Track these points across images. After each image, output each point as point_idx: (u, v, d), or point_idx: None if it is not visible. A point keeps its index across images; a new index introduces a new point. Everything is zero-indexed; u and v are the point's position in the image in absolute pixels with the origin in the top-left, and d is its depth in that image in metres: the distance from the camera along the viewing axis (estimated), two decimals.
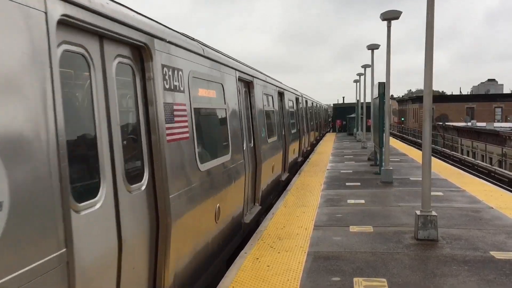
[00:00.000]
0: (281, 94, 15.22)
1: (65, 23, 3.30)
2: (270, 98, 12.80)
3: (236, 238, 8.05)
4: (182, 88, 5.40)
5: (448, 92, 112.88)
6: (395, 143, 31.30)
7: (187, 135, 5.48)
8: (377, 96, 16.30)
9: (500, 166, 28.64)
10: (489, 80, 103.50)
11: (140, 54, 4.53)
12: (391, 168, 14.57)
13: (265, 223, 9.37)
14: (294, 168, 17.98)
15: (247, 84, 9.98)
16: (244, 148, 8.83)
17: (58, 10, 3.15)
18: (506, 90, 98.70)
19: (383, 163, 14.85)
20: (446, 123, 55.10)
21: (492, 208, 10.38)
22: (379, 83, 15.97)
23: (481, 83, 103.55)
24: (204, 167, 6.06)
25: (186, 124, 5.45)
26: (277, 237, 8.30)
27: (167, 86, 4.95)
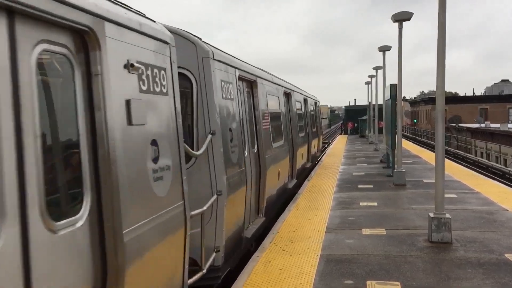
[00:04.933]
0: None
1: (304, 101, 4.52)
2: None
3: None
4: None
5: (462, 93, 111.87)
6: (407, 145, 31.10)
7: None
8: (389, 98, 16.21)
9: None
10: (502, 80, 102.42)
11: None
12: (403, 170, 14.48)
13: (277, 225, 9.35)
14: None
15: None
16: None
17: None
18: None
19: (396, 165, 14.75)
20: (459, 125, 54.60)
21: (507, 210, 10.26)
22: (391, 84, 15.89)
23: (495, 83, 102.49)
24: None
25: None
26: (289, 240, 8.28)
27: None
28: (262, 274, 6.55)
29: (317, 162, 21.96)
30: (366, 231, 8.74)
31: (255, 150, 8.78)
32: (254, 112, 9.01)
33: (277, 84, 12.27)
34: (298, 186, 14.42)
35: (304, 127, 17.25)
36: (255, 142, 8.82)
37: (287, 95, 13.99)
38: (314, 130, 20.92)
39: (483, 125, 51.61)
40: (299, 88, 18.11)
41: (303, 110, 17.70)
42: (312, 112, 21.59)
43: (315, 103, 23.64)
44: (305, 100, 18.92)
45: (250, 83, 9.01)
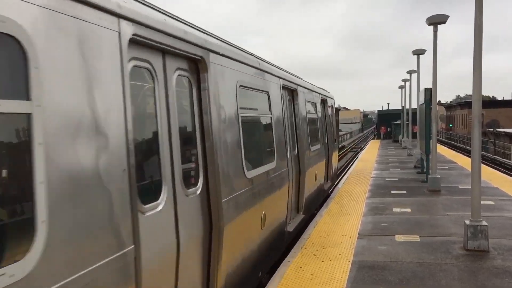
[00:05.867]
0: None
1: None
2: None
3: None
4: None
5: (500, 97, 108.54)
6: (442, 150, 30.45)
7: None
8: (424, 102, 15.93)
9: None
10: None
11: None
12: (438, 175, 14.18)
13: (309, 231, 9.30)
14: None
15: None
16: None
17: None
18: None
19: (430, 171, 14.47)
20: (497, 129, 53.06)
21: None
22: (425, 88, 15.63)
23: None
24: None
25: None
26: (321, 245, 8.22)
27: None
28: (293, 279, 6.52)
29: (328, 197, 13.50)
30: (399, 238, 8.60)
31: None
32: None
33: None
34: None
35: (288, 145, 8.62)
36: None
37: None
38: (317, 146, 11.58)
39: None
40: (282, 70, 9.00)
41: (286, 112, 8.84)
42: (314, 116, 11.88)
43: (323, 101, 14.07)
44: (293, 93, 9.60)
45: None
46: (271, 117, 7.59)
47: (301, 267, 7.06)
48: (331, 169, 14.54)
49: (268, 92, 7.45)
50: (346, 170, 22.48)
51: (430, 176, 14.26)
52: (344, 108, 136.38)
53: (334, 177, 16.11)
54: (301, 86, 10.35)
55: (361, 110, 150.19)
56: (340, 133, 73.93)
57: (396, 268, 6.93)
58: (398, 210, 11.17)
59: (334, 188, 15.36)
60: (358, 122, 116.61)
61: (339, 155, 38.61)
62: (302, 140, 9.79)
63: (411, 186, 14.87)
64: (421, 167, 17.94)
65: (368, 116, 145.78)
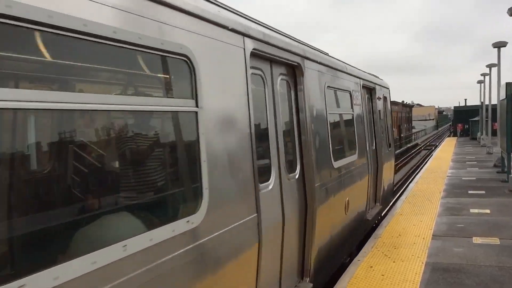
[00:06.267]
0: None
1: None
2: None
3: None
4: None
5: None
6: None
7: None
8: (505, 97, 15.05)
9: None
10: None
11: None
12: None
13: (380, 231, 9.11)
14: None
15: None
16: None
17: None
18: None
19: None
20: None
21: None
22: (507, 83, 14.76)
23: None
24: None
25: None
26: (392, 245, 8.02)
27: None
28: (363, 279, 6.42)
29: (376, 227, 9.65)
30: (477, 240, 8.20)
31: None
32: None
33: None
34: None
35: (273, 164, 5.07)
36: None
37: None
38: (350, 158, 7.89)
39: None
40: (257, 23, 4.86)
41: (271, 104, 5.08)
42: (346, 111, 8.21)
43: (368, 90, 10.28)
44: (294, 70, 5.74)
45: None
46: (211, 113, 3.66)
47: (371, 267, 6.94)
48: (380, 187, 10.41)
49: (188, 57, 3.38)
50: (419, 169, 21.71)
51: (511, 175, 13.48)
52: (418, 104, 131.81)
53: (389, 195, 11.92)
54: (312, 60, 6.22)
55: (436, 107, 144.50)
56: (413, 130, 71.89)
57: (473, 271, 6.62)
58: (476, 211, 10.65)
59: (392, 206, 12.03)
60: (433, 119, 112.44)
61: (409, 154, 37.49)
62: (314, 152, 5.88)
63: (490, 186, 14.12)
64: (502, 166, 17.00)
65: (444, 113, 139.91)
